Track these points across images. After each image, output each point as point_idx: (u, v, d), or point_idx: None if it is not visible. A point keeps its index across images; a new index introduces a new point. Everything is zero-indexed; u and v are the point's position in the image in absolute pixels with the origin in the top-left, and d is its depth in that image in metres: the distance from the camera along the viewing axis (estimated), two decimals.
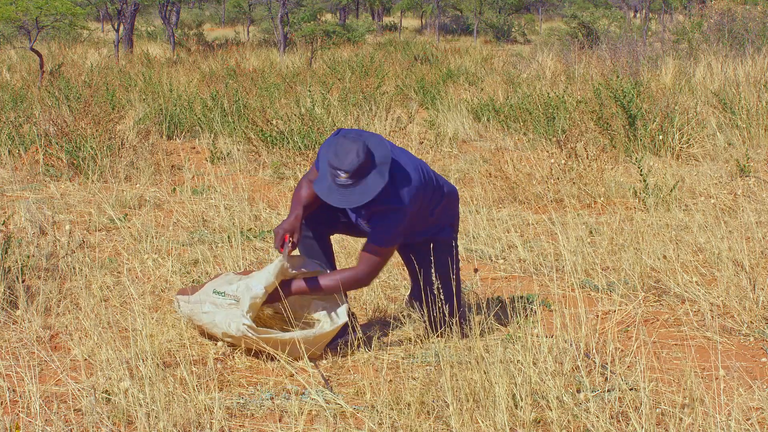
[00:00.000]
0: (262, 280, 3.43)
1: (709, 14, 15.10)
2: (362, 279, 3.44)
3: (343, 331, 3.52)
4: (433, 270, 3.51)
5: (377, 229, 3.40)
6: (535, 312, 3.71)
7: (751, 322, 3.72)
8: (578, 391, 2.93)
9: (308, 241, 3.64)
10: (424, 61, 16.67)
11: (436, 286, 3.46)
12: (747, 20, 13.80)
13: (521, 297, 4.04)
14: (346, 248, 4.71)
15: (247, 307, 3.36)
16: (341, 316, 3.45)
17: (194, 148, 8.40)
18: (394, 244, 3.42)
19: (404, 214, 3.37)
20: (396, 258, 4.66)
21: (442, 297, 3.50)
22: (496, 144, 8.33)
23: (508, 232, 5.10)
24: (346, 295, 3.65)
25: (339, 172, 3.25)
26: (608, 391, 2.96)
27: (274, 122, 7.65)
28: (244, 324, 3.31)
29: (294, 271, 3.50)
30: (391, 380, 3.22)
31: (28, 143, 7.18)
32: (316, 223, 3.62)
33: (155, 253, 4.71)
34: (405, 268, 4.53)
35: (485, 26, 29.66)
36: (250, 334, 3.31)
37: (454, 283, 3.60)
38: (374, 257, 3.40)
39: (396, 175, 3.36)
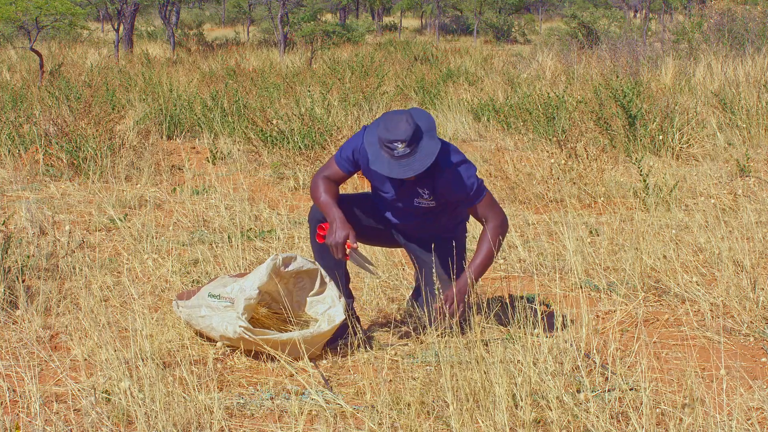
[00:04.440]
0: (256, 280, 3.43)
1: (709, 14, 15.10)
2: (504, 220, 3.53)
3: (343, 330, 3.51)
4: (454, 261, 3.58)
5: (468, 190, 3.46)
6: (535, 312, 3.71)
7: (751, 322, 3.72)
8: (578, 391, 2.93)
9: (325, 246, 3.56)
10: (424, 61, 16.67)
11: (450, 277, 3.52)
12: (747, 20, 13.80)
13: (521, 297, 4.04)
14: None
15: (242, 308, 3.35)
16: (339, 314, 3.45)
17: (194, 148, 8.40)
18: (486, 189, 3.53)
19: (470, 163, 3.48)
20: (395, 258, 4.66)
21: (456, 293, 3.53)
22: (496, 144, 8.33)
23: (508, 232, 5.10)
24: (347, 295, 3.65)
25: (396, 144, 3.27)
26: (608, 391, 2.96)
27: (274, 122, 7.66)
28: (240, 326, 3.30)
29: (288, 270, 3.50)
30: (391, 380, 3.22)
31: (28, 143, 7.17)
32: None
33: (155, 253, 4.71)
34: (405, 269, 4.54)
35: (485, 26, 29.67)
36: (247, 336, 3.31)
37: (455, 283, 3.60)
38: (491, 203, 3.50)
39: (440, 141, 3.44)
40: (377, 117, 3.49)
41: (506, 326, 3.69)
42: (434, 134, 3.37)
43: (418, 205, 3.55)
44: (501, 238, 3.53)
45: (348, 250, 3.41)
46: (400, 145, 3.26)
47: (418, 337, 3.60)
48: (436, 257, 3.60)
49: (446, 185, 3.46)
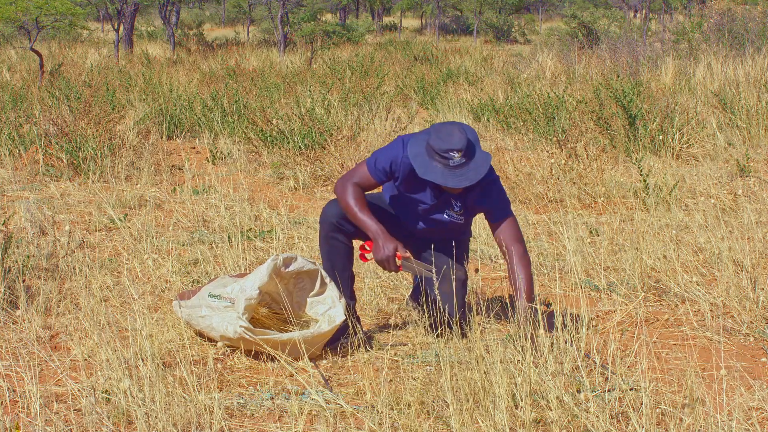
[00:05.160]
0: (257, 280, 3.43)
1: (709, 14, 15.10)
2: (526, 249, 3.52)
3: (343, 330, 3.51)
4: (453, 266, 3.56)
5: (498, 203, 3.51)
6: (536, 312, 3.71)
7: (751, 322, 3.72)
8: (578, 391, 2.93)
9: (337, 243, 3.56)
10: (424, 61, 16.67)
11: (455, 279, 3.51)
12: (747, 20, 13.80)
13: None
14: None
15: (242, 308, 3.35)
16: (339, 315, 3.45)
17: (194, 148, 8.40)
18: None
19: (500, 182, 3.57)
20: None
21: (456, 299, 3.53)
22: (496, 144, 8.33)
23: None
24: (351, 297, 3.65)
25: (453, 153, 3.29)
26: (608, 391, 2.96)
27: (274, 122, 7.66)
28: (240, 326, 3.30)
29: (288, 270, 3.50)
30: (391, 380, 3.22)
31: (28, 143, 7.17)
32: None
33: (155, 253, 4.71)
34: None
35: (485, 26, 29.68)
36: (247, 336, 3.31)
37: (455, 283, 3.60)
38: (518, 227, 3.52)
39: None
40: (412, 126, 3.49)
41: (506, 326, 3.69)
42: (480, 146, 3.42)
43: (447, 218, 3.57)
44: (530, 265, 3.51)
45: (399, 261, 3.41)
46: (456, 155, 3.29)
47: (417, 331, 3.60)
48: (441, 257, 3.60)
49: (477, 198, 3.50)
